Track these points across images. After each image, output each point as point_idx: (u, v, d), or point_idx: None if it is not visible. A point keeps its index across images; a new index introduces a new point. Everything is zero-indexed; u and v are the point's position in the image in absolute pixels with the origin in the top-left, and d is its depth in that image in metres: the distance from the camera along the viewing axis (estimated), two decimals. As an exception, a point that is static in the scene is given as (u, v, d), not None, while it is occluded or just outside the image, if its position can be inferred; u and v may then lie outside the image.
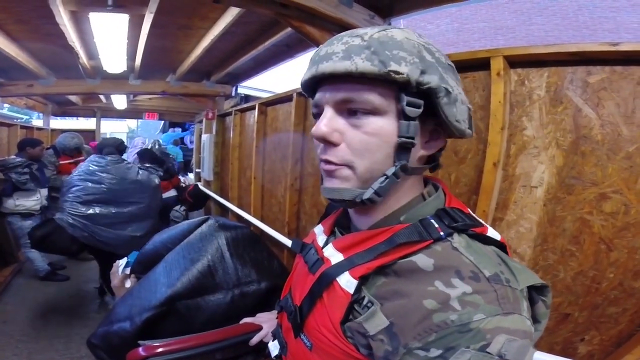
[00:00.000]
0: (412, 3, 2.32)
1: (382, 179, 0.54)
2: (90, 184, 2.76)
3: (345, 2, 2.21)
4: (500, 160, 1.51)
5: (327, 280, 0.58)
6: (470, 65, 1.65)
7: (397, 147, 0.54)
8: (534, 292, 0.53)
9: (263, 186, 3.72)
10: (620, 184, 1.27)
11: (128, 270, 1.62)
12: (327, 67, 0.53)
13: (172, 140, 10.77)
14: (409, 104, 0.52)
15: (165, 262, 1.33)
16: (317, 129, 0.55)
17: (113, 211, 2.77)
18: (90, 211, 2.72)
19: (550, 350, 1.42)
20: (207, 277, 1.25)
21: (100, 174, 2.80)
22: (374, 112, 0.53)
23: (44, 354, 2.83)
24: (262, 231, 3.43)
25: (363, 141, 0.53)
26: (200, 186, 5.72)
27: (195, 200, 5.13)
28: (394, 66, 0.50)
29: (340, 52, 0.52)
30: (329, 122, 0.55)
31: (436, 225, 0.54)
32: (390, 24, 2.51)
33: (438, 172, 1.74)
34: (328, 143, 0.55)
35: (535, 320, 0.53)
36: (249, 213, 3.81)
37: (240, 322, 1.15)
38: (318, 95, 0.57)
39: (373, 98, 0.52)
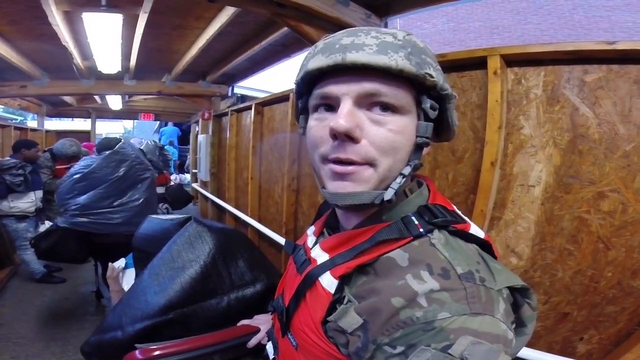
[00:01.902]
0: (408, 2, 2.32)
1: (400, 178, 0.53)
2: (78, 177, 2.73)
3: (342, 1, 2.20)
4: (497, 160, 1.51)
5: (310, 280, 0.58)
6: (468, 64, 1.65)
7: (415, 147, 0.54)
8: (518, 295, 0.51)
9: (260, 187, 3.71)
10: (618, 182, 1.27)
11: (129, 272, 1.60)
12: (359, 57, 0.49)
13: (168, 140, 10.76)
14: (432, 107, 0.54)
15: (151, 267, 1.30)
16: (338, 124, 0.49)
17: (108, 189, 2.72)
18: (89, 199, 2.68)
19: (550, 350, 1.42)
20: (201, 284, 1.22)
21: (87, 165, 2.77)
22: (400, 110, 0.52)
23: (40, 356, 2.79)
24: (259, 232, 3.43)
25: (389, 138, 0.51)
26: (197, 186, 5.70)
27: (174, 199, 4.99)
28: (427, 69, 0.51)
29: (374, 46, 0.50)
30: (350, 116, 0.50)
31: (416, 222, 0.53)
32: (386, 24, 2.51)
33: (436, 171, 1.76)
34: (348, 139, 0.50)
35: (521, 323, 0.52)
36: (247, 214, 3.80)
37: (238, 324, 1.14)
38: (332, 86, 0.52)
39: (402, 96, 0.51)
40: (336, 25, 2.22)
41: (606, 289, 1.32)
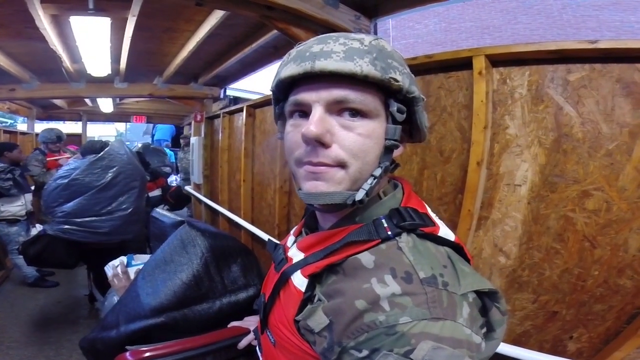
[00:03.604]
0: (397, 3, 2.33)
1: (371, 179, 0.55)
2: (64, 183, 2.68)
3: (331, 3, 2.20)
4: (484, 159, 1.51)
5: (284, 278, 0.60)
6: (454, 65, 1.65)
7: (384, 149, 0.56)
8: (487, 299, 0.52)
9: (253, 189, 3.70)
10: (602, 181, 1.28)
11: (132, 270, 1.60)
12: (327, 64, 0.50)
13: (165, 144, 10.70)
14: (399, 110, 0.55)
15: (145, 269, 1.31)
16: (309, 130, 0.51)
17: (95, 197, 2.67)
18: (75, 208, 2.64)
19: (541, 349, 1.43)
20: (193, 288, 1.22)
21: (73, 171, 2.72)
22: (368, 114, 0.53)
23: (34, 360, 2.79)
24: (253, 234, 3.42)
25: (358, 142, 0.53)
26: (189, 188, 5.70)
27: (176, 201, 5.33)
28: (392, 74, 0.52)
29: (341, 52, 0.51)
30: (320, 122, 0.52)
31: (385, 225, 0.54)
32: (376, 25, 2.51)
33: (424, 171, 1.76)
34: (319, 144, 0.52)
35: (490, 328, 0.52)
36: (240, 216, 3.79)
37: (228, 325, 1.15)
38: (304, 94, 0.54)
39: (370, 100, 0.53)
40: (325, 27, 2.22)
41: (593, 288, 1.32)
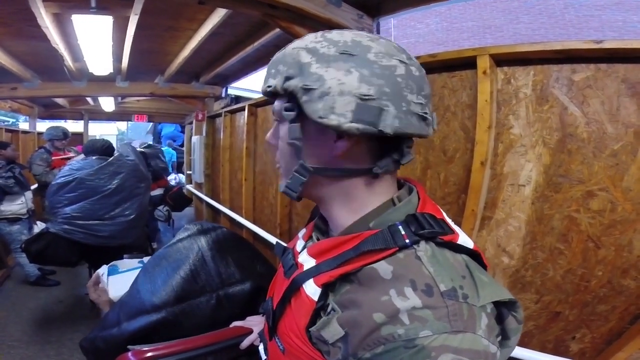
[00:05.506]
0: (400, 2, 2.32)
1: (290, 175, 0.60)
2: (69, 184, 2.70)
3: (333, 1, 2.20)
4: (487, 159, 1.51)
5: (295, 286, 0.59)
6: (458, 64, 1.65)
7: (293, 149, 0.58)
8: (504, 308, 0.51)
9: (254, 188, 3.70)
10: (607, 181, 1.27)
11: (115, 279, 1.60)
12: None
13: (167, 142, 10.75)
14: (285, 109, 0.57)
15: (145, 270, 1.32)
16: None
17: (100, 202, 2.71)
18: (79, 211, 2.66)
19: (543, 349, 1.43)
20: (190, 282, 1.24)
21: (77, 171, 2.74)
22: (280, 120, 0.61)
23: (35, 359, 2.79)
24: (254, 233, 3.42)
25: (279, 145, 0.63)
26: (191, 188, 5.69)
27: (175, 202, 5.33)
28: (269, 82, 0.58)
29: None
30: (272, 130, 0.65)
31: (403, 232, 0.52)
32: (378, 24, 2.51)
33: (427, 171, 1.76)
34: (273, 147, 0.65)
35: (505, 336, 0.52)
36: (241, 215, 3.79)
37: (231, 325, 1.15)
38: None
39: (277, 108, 0.60)
40: (328, 26, 2.22)
41: (597, 288, 1.32)
